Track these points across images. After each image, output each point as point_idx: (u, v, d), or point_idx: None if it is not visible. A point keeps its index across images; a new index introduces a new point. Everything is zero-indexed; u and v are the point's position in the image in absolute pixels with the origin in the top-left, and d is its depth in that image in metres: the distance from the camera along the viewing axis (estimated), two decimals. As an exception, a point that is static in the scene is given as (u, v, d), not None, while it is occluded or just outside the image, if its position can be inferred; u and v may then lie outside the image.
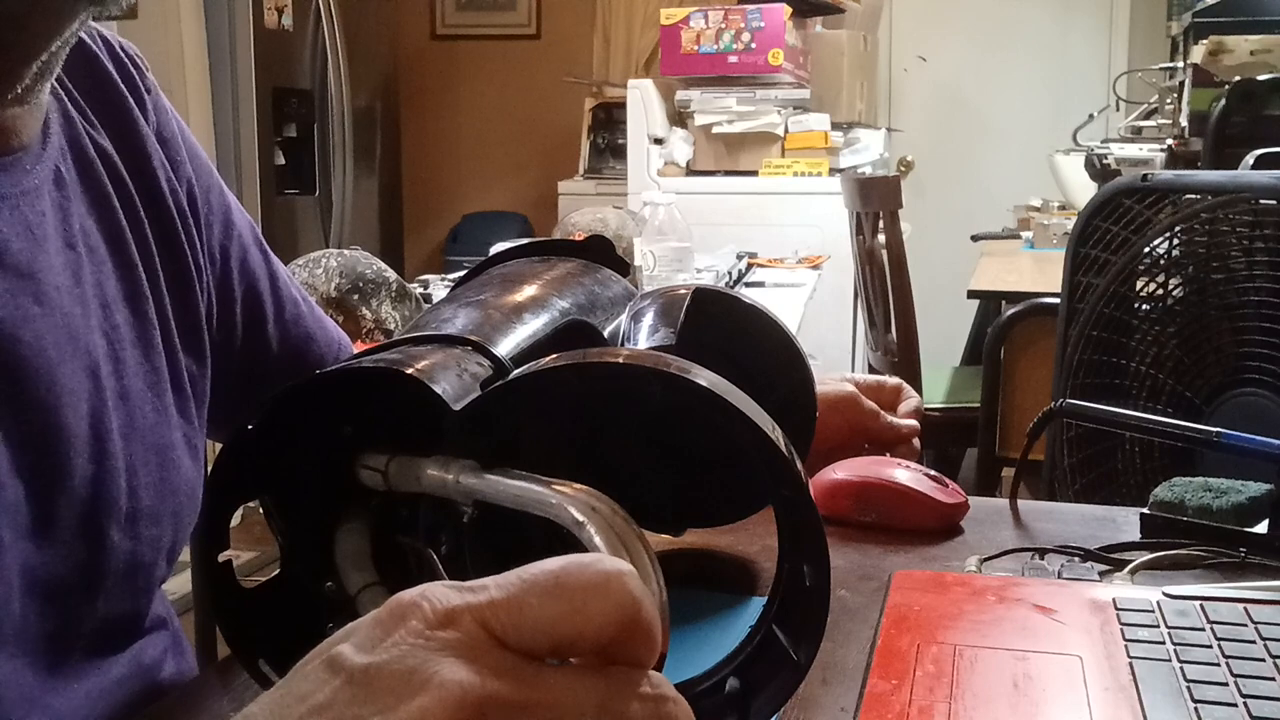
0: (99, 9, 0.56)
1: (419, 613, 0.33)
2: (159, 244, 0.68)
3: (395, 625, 0.33)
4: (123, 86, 0.69)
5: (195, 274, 0.71)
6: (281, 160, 3.58)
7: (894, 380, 0.98)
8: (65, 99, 0.66)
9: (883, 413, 0.94)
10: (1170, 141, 2.88)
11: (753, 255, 2.99)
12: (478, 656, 0.32)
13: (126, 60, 0.71)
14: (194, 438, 0.69)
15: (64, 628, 0.60)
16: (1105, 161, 3.11)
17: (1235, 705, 0.53)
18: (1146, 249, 1.36)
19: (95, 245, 0.64)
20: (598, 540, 0.40)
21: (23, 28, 0.55)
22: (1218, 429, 0.83)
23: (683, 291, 0.64)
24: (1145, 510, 0.82)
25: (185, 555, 0.71)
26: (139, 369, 0.65)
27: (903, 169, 4.82)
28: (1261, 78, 2.34)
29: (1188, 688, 0.55)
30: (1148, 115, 3.46)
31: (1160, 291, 1.36)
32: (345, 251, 1.90)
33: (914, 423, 0.96)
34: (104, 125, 0.67)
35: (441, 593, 0.33)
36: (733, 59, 3.43)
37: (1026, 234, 3.46)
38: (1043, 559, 0.75)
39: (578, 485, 0.42)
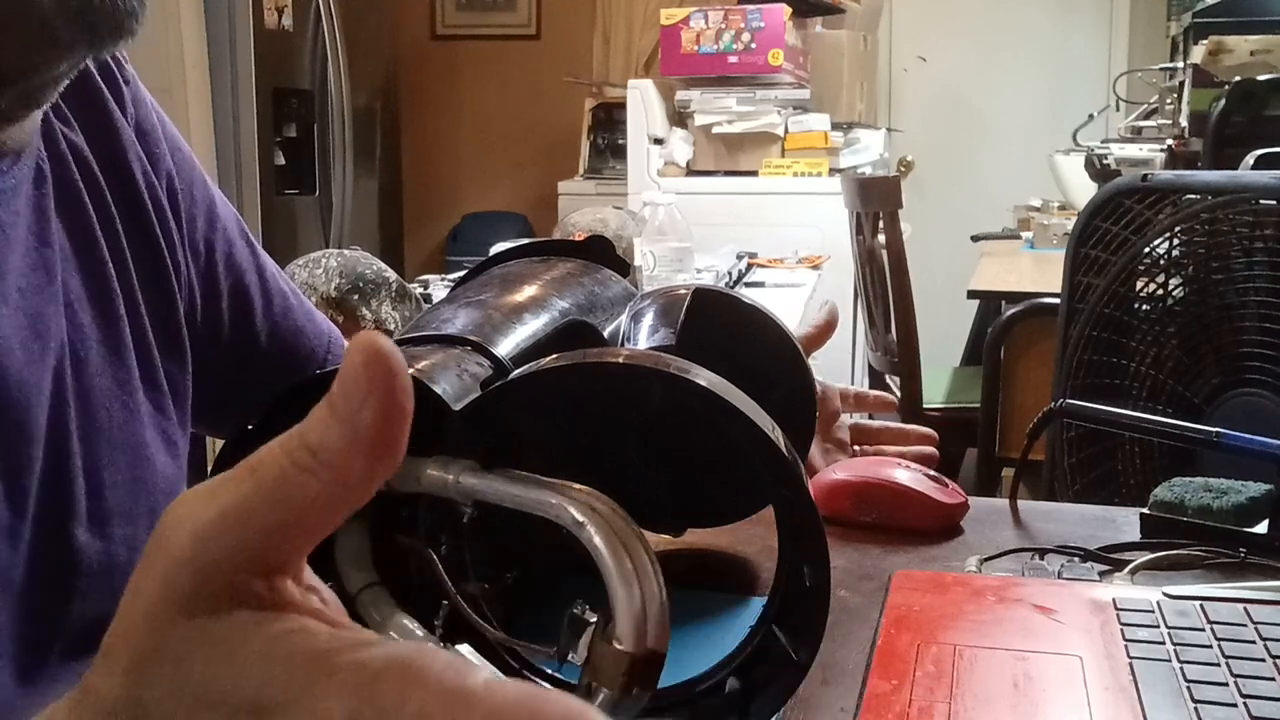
0: (95, 51, 0.56)
1: None
2: (132, 241, 0.67)
3: None
4: (99, 79, 0.67)
5: (173, 270, 0.69)
6: (281, 160, 3.58)
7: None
8: None
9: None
10: (1170, 141, 2.88)
11: (753, 255, 2.99)
12: None
13: None
14: (172, 434, 0.68)
15: (41, 630, 0.59)
16: (1105, 161, 3.11)
17: (1235, 705, 0.53)
18: (1146, 249, 1.36)
19: (61, 244, 0.63)
20: (598, 540, 0.40)
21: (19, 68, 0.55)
22: (1218, 429, 0.83)
23: (683, 291, 0.64)
24: (1145, 510, 0.82)
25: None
26: (104, 367, 0.64)
27: (903, 169, 4.82)
28: (1261, 78, 2.35)
29: (1188, 688, 0.55)
30: (1148, 115, 3.47)
31: (1160, 291, 1.36)
32: (345, 251, 1.90)
33: (930, 430, 0.97)
34: (79, 120, 0.66)
35: None
36: (733, 59, 3.43)
37: (1026, 234, 3.46)
38: (1043, 559, 0.75)
39: (577, 485, 0.42)
